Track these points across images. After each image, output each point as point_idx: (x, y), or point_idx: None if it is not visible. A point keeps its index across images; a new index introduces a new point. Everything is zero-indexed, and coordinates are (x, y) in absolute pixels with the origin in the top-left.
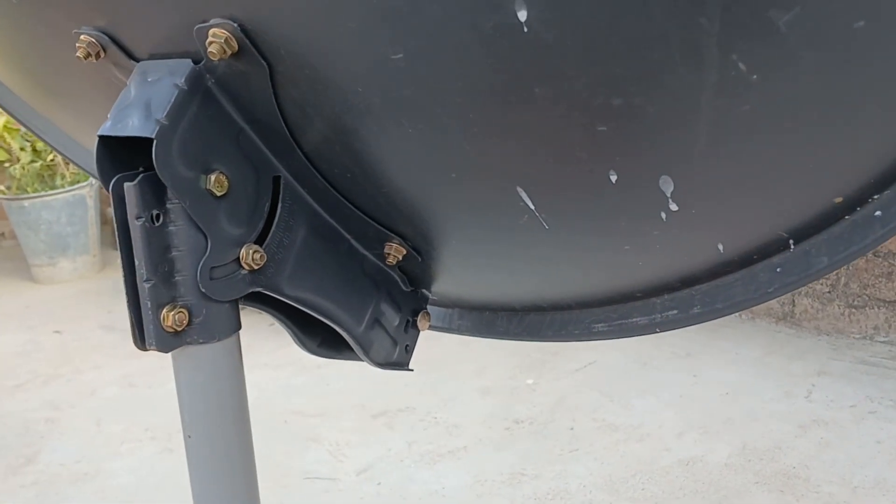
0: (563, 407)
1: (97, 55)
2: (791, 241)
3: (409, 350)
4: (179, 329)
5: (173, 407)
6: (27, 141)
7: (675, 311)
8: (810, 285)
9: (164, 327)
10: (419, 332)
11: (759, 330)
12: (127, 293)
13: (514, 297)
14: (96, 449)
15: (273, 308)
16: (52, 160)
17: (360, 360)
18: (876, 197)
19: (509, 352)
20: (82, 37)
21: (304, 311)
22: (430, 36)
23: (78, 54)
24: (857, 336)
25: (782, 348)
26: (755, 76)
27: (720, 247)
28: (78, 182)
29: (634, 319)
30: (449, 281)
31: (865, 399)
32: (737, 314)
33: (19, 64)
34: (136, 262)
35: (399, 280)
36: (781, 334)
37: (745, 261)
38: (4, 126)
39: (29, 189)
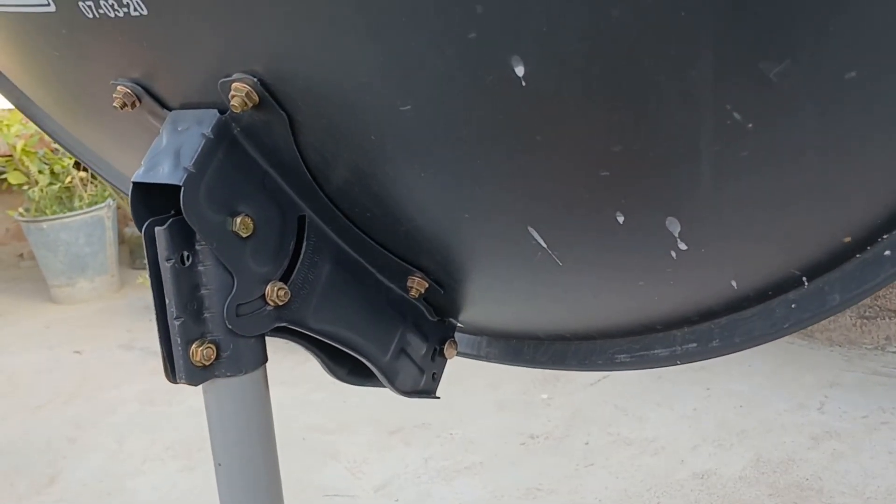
0: (578, 421)
1: (132, 104)
2: (804, 279)
3: (436, 378)
4: (207, 363)
5: (194, 424)
6: (45, 164)
7: (695, 345)
8: None
9: (193, 362)
10: (446, 360)
11: (772, 342)
12: (159, 329)
13: (537, 326)
14: (118, 467)
15: (302, 339)
16: (70, 182)
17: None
18: (885, 236)
19: (522, 367)
20: (119, 87)
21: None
22: (435, 89)
23: (114, 104)
24: (869, 347)
25: (795, 360)
26: (751, 124)
27: (734, 283)
28: (96, 203)
29: (656, 351)
30: (475, 310)
31: (878, 410)
32: None
33: (63, 99)
34: (167, 301)
35: (425, 310)
36: (794, 346)
37: (761, 296)
38: (23, 150)
39: (47, 211)
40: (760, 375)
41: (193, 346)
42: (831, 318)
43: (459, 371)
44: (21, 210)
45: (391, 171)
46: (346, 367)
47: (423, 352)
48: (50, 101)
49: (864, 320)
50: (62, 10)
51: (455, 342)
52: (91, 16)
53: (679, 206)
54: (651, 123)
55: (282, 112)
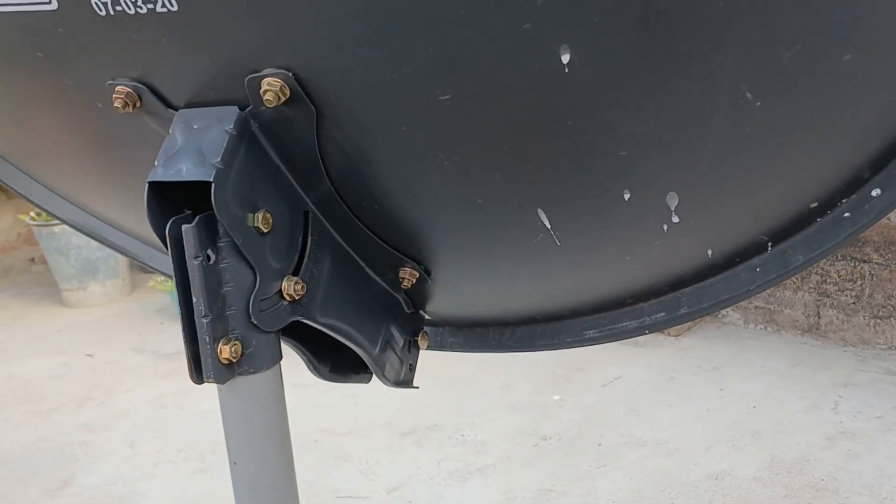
0: (591, 422)
1: (134, 105)
2: (769, 244)
3: (412, 369)
4: (234, 360)
5: (205, 427)
6: None
7: (663, 314)
8: (835, 297)
9: (221, 360)
10: (419, 350)
11: (785, 342)
12: (183, 330)
13: (510, 311)
14: (131, 470)
15: (290, 337)
16: None
17: (365, 382)
18: (844, 201)
19: (535, 368)
20: (119, 87)
21: (315, 341)
22: (479, 78)
23: (116, 104)
24: (883, 347)
25: (808, 360)
26: (759, 103)
27: (709, 252)
28: None
29: (624, 324)
30: (445, 301)
31: (892, 409)
32: (762, 327)
33: (23, 114)
34: (195, 300)
35: (403, 303)
36: (807, 346)
37: (727, 263)
38: None
39: None
40: (774, 375)
41: (220, 343)
42: (845, 317)
43: (472, 373)
44: (32, 214)
45: (413, 160)
46: (328, 365)
47: (402, 344)
48: (14, 122)
49: (878, 320)
50: (66, 7)
51: (426, 333)
52: (104, 13)
53: (681, 181)
54: (675, 105)
55: (311, 107)
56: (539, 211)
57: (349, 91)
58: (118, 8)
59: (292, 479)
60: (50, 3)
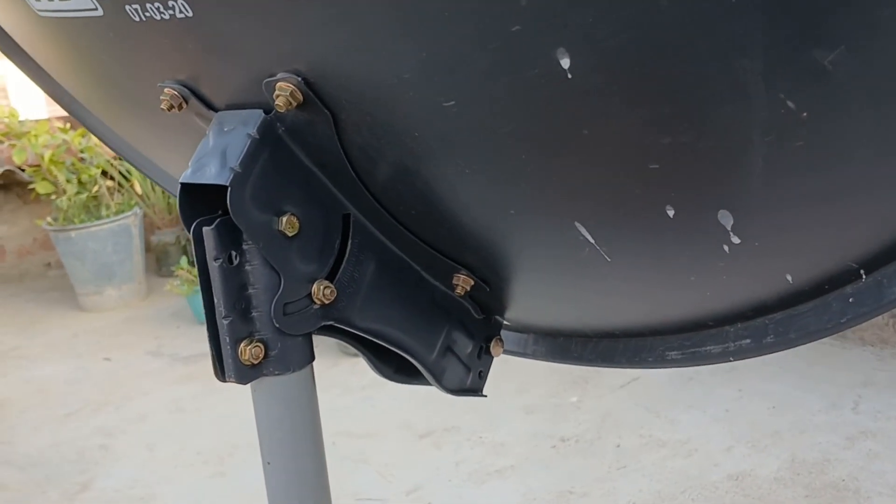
0: (609, 424)
1: (179, 106)
2: (862, 272)
3: (482, 376)
4: (256, 362)
5: (223, 430)
6: (73, 173)
7: (749, 341)
8: None
9: (242, 361)
10: (493, 357)
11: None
12: (208, 329)
13: (585, 324)
14: (149, 474)
15: (348, 337)
16: (97, 191)
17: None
18: None
19: (551, 370)
20: (166, 90)
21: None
22: (479, 84)
23: (162, 106)
24: None
25: (827, 360)
26: (805, 114)
27: (789, 277)
28: (123, 212)
29: (708, 348)
30: (521, 307)
31: None
32: None
33: (112, 101)
34: (215, 300)
35: (470, 308)
36: (826, 345)
37: (816, 290)
38: (51, 159)
39: (75, 220)
40: (793, 375)
41: (242, 344)
42: None
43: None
44: (49, 219)
45: (435, 168)
46: (393, 365)
47: (469, 350)
48: (100, 104)
49: None
50: (109, 13)
51: (501, 340)
52: (138, 19)
53: (731, 199)
54: (702, 114)
55: (325, 111)
56: (577, 224)
57: (357, 96)
58: (147, 14)
59: (325, 479)
60: (97, 9)
